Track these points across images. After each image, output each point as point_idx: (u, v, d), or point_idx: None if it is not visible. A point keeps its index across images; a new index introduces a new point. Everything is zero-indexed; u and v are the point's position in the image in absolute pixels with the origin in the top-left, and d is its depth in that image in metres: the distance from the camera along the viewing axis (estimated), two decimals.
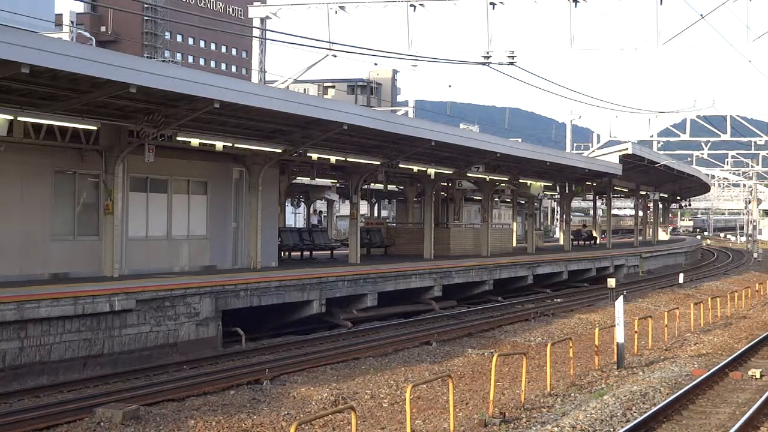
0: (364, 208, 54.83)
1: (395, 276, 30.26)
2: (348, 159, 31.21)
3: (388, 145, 31.70)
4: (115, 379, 18.13)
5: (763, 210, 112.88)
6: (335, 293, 26.94)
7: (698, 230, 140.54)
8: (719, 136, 60.00)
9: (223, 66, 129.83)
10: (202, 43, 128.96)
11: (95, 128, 22.19)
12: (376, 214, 63.31)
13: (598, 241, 62.17)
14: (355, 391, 17.51)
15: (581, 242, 60.02)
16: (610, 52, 33.83)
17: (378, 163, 32.41)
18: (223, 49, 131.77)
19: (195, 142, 24.71)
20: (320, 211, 68.03)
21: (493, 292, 36.49)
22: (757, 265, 65.25)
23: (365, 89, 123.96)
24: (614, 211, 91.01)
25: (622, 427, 13.85)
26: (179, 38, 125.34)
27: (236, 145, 26.16)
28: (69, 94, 20.16)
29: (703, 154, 71.44)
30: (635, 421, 14.05)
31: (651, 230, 74.68)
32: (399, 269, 30.91)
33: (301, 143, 27.65)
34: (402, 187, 47.46)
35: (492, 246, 42.64)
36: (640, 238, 66.52)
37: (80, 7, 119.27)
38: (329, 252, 37.71)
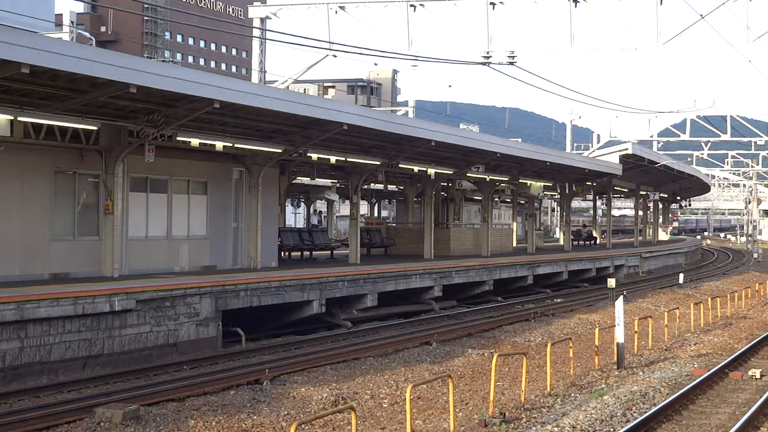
0: (364, 208, 54.85)
1: (395, 276, 30.25)
2: (348, 159, 31.19)
3: (388, 145, 31.69)
4: (115, 379, 18.13)
5: (763, 210, 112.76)
6: (335, 293, 26.94)
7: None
8: (719, 136, 60.03)
9: (223, 66, 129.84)
10: (202, 43, 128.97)
11: (95, 128, 22.19)
12: (376, 214, 63.32)
13: (598, 241, 62.18)
14: (355, 391, 17.51)
15: (581, 242, 60.04)
16: (610, 52, 33.84)
17: (378, 163, 32.40)
18: (223, 49, 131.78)
19: (195, 142, 24.70)
20: (320, 211, 68.08)
21: (493, 292, 36.49)
22: (757, 265, 65.24)
23: (365, 89, 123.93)
24: (614, 212, 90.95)
25: (622, 427, 13.85)
26: (179, 38, 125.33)
27: (236, 145, 26.15)
28: (69, 94, 20.16)
29: (703, 154, 71.48)
30: (635, 421, 14.05)
31: (651, 230, 74.69)
32: (399, 269, 30.90)
33: (301, 143, 27.64)
34: (402, 187, 47.46)
35: (492, 246, 42.63)
36: (640, 238, 66.52)
37: (80, 7, 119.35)
38: (329, 252, 37.69)
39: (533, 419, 14.83)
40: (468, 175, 39.29)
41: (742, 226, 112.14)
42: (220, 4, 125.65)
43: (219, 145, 25.59)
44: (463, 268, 34.65)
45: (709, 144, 67.93)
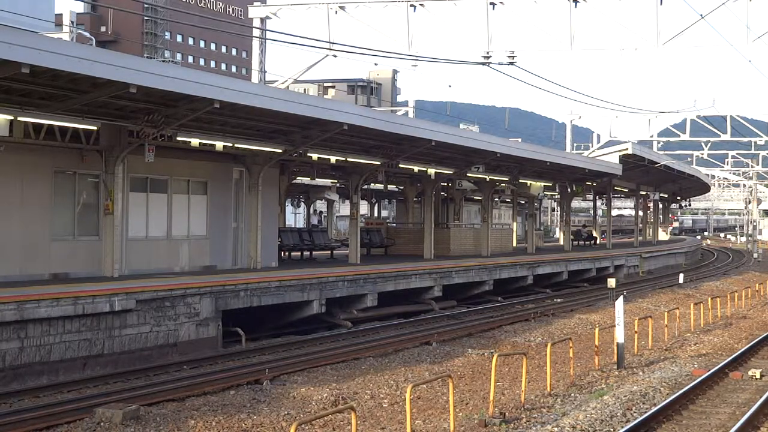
0: (364, 208, 54.84)
1: (395, 276, 30.25)
2: (348, 159, 31.20)
3: (388, 145, 31.70)
4: (115, 379, 18.14)
5: (763, 210, 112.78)
6: (335, 293, 26.94)
7: None
8: (719, 136, 60.05)
9: (223, 66, 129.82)
10: (202, 43, 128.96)
11: (95, 128, 22.19)
12: (376, 214, 63.33)
13: (598, 241, 62.19)
14: (355, 391, 17.51)
15: (581, 242, 60.04)
16: (610, 52, 33.83)
17: (378, 163, 32.40)
18: (223, 49, 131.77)
19: (195, 142, 24.70)
20: (320, 211, 68.11)
21: (493, 292, 36.49)
22: (757, 265, 65.24)
23: (365, 89, 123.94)
24: (614, 211, 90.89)
25: (622, 427, 13.85)
26: (179, 38, 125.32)
27: (236, 145, 26.15)
28: (69, 94, 20.16)
29: (703, 154, 71.48)
30: (635, 421, 14.05)
31: (651, 230, 74.71)
32: (399, 269, 30.90)
33: (301, 143, 27.65)
34: (402, 187, 47.46)
35: (492, 246, 42.63)
36: (640, 238, 66.53)
37: (80, 7, 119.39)
38: (329, 252, 37.69)
39: (533, 419, 14.83)
40: (468, 175, 39.29)
41: (742, 226, 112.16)
42: (220, 4, 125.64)
43: (219, 145, 25.59)
44: (463, 268, 34.65)
45: (709, 144, 67.93)
